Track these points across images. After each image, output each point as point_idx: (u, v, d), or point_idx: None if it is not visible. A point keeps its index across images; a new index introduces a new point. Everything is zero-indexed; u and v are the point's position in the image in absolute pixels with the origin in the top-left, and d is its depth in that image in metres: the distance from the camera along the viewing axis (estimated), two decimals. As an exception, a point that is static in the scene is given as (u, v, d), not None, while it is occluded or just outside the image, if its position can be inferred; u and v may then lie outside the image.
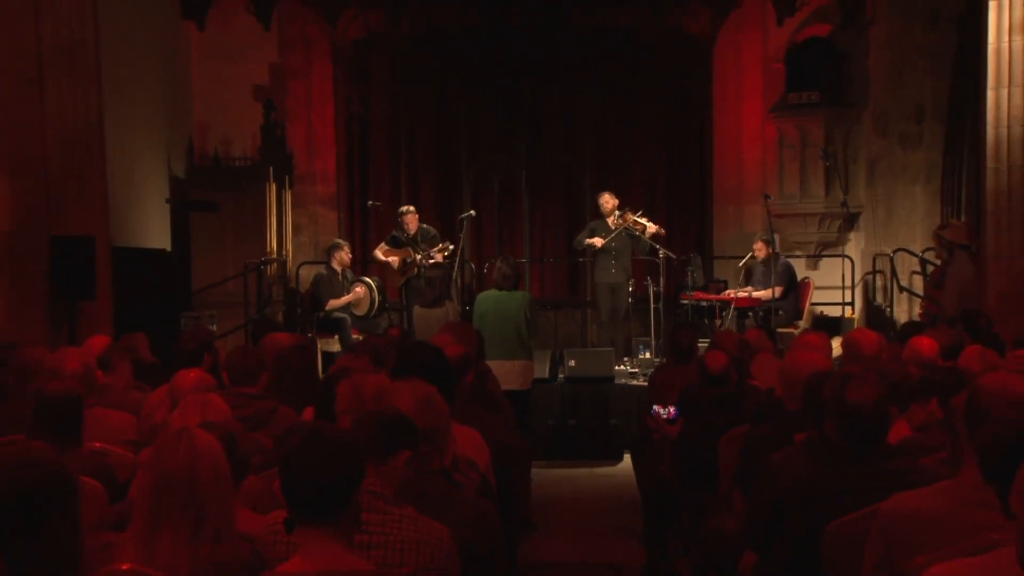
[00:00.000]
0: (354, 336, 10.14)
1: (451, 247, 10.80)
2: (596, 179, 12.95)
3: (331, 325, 10.57)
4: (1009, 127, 9.06)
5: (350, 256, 11.23)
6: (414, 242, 10.85)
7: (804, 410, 4.16)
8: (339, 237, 11.86)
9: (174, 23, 11.96)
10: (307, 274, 11.53)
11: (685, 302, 11.11)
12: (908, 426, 4.27)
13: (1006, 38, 9.06)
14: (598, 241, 10.59)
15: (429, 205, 13.65)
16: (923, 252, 11.21)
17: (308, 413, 4.57)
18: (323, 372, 7.62)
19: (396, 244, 11.07)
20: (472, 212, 11.57)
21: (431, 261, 10.44)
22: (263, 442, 4.11)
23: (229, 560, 2.71)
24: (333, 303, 10.58)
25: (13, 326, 8.15)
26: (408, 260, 10.84)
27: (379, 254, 11.09)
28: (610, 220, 10.71)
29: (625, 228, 10.62)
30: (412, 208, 11.21)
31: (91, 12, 8.76)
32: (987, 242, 9.37)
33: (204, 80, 12.62)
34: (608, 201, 10.79)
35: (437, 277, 10.66)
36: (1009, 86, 9.05)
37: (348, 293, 10.73)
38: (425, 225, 11.22)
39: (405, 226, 10.98)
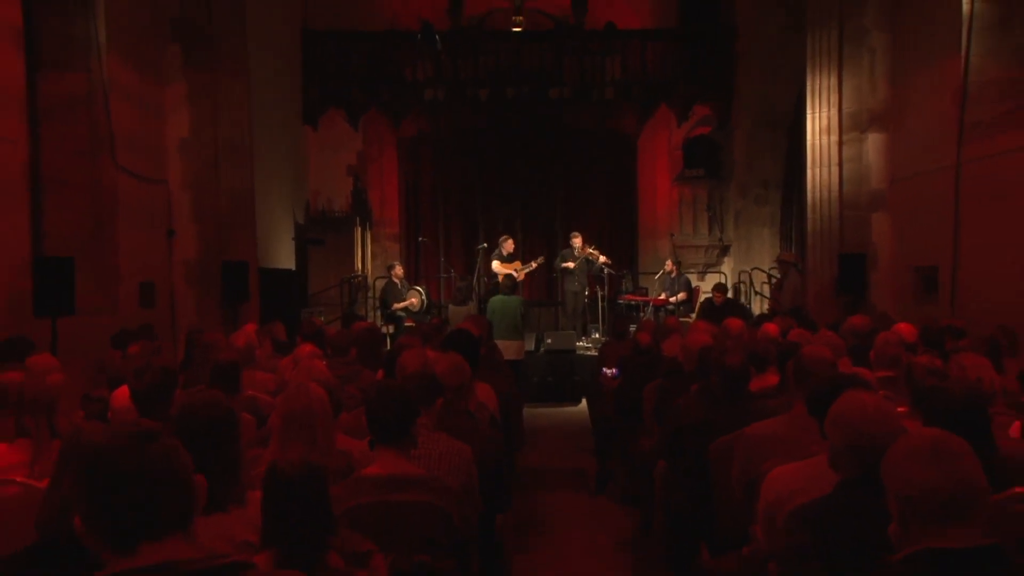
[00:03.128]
0: (407, 324, 10.09)
1: (543, 259, 11.00)
2: (564, 224, 12.87)
3: (393, 318, 10.56)
4: (821, 192, 9.17)
5: (402, 269, 11.20)
6: (512, 258, 10.79)
7: (697, 370, 4.18)
8: (398, 262, 11.85)
9: (298, 127, 11.99)
10: (380, 285, 11.55)
11: (621, 302, 11.15)
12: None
13: (819, 137, 9.20)
14: (571, 264, 10.57)
15: (457, 241, 13.67)
16: (769, 269, 11.25)
17: (380, 374, 4.57)
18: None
19: (503, 260, 10.73)
20: (485, 244, 11.58)
21: (530, 268, 10.73)
22: (353, 392, 4.12)
23: (333, 466, 2.72)
24: (397, 306, 10.55)
25: (198, 318, 8.23)
26: (518, 268, 10.58)
27: (498, 266, 10.61)
28: (576, 251, 10.73)
29: (585, 257, 10.66)
30: (508, 236, 11.09)
31: (247, 119, 8.84)
32: (808, 264, 9.44)
33: (316, 162, 12.63)
34: (580, 242, 10.78)
35: (464, 286, 10.67)
36: (821, 167, 9.17)
37: (404, 296, 10.64)
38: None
39: (504, 249, 10.76)
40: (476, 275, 11.14)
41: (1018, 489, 2.26)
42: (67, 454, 1.89)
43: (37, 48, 6.46)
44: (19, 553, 1.80)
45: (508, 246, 10.81)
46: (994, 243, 6.81)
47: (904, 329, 4.84)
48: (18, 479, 2.68)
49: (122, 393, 3.48)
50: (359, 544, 2.01)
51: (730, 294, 12.11)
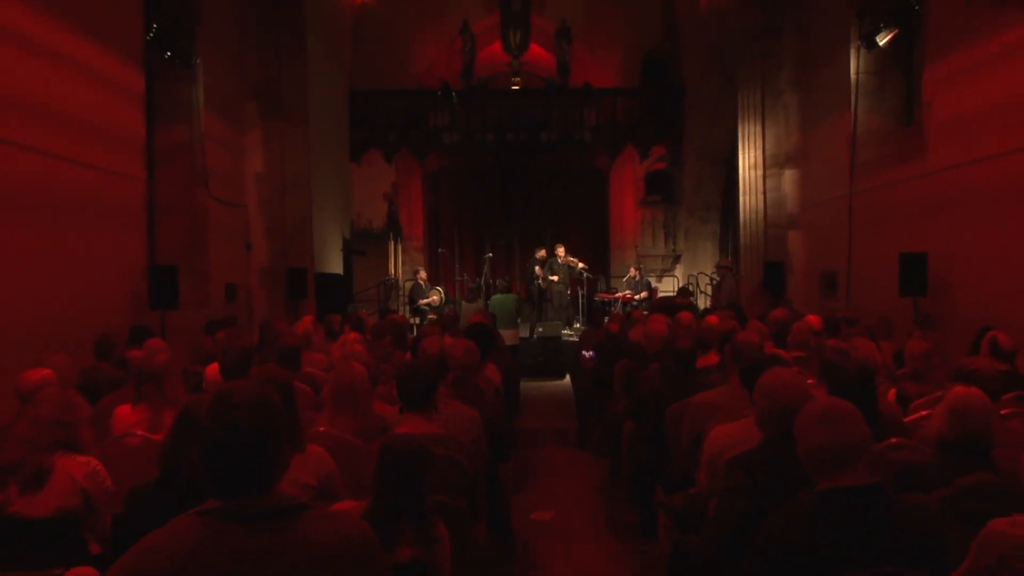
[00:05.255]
0: (430, 316, 10.05)
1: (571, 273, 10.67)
2: (553, 239, 12.58)
3: (418, 311, 10.53)
4: (750, 214, 9.17)
5: (425, 274, 11.10)
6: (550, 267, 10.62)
7: (656, 352, 4.18)
8: (422, 268, 11.81)
9: (346, 163, 11.87)
10: (409, 286, 11.51)
11: (597, 299, 11.12)
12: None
13: (748, 171, 9.21)
14: (555, 277, 10.44)
15: (468, 252, 13.62)
16: (711, 274, 11.24)
17: (408, 355, 4.56)
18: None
19: (541, 264, 10.69)
20: (490, 254, 11.58)
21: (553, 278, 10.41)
22: (387, 369, 4.10)
23: (372, 426, 2.73)
24: (421, 302, 10.53)
25: (269, 311, 8.22)
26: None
27: (539, 270, 10.57)
28: (560, 259, 10.70)
29: (567, 264, 10.64)
30: (542, 248, 10.96)
31: (307, 158, 8.79)
32: (741, 269, 9.43)
33: (359, 191, 12.48)
34: (563, 251, 10.76)
35: (474, 287, 10.66)
36: (750, 194, 9.17)
37: (427, 294, 10.60)
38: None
39: (539, 256, 10.69)
40: (483, 278, 11.11)
41: (894, 440, 2.28)
42: (181, 418, 1.94)
43: (154, 107, 6.65)
44: (146, 485, 1.92)
45: (542, 254, 10.80)
46: (876, 254, 6.89)
47: (813, 319, 4.84)
48: (139, 432, 2.71)
49: (213, 368, 3.50)
50: (435, 530, 1.91)
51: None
